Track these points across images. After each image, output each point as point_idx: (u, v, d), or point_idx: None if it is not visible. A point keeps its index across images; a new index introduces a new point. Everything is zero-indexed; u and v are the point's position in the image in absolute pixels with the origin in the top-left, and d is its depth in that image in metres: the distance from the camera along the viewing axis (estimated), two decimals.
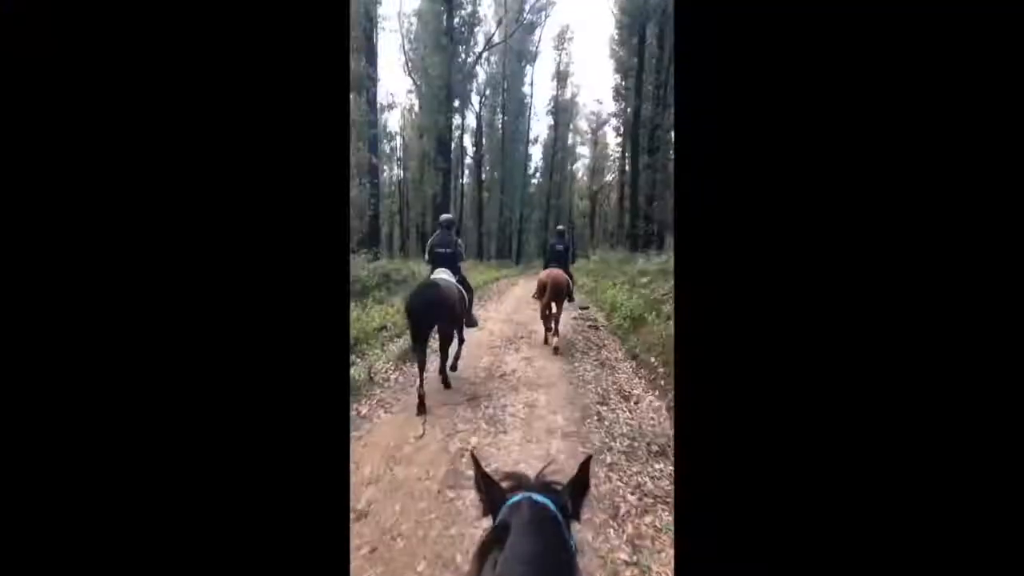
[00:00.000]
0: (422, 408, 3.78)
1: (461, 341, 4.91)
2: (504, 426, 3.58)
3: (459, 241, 4.72)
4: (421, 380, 3.88)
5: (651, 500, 2.67)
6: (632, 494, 2.73)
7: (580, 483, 1.01)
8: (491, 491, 0.97)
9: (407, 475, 2.85)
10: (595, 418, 3.77)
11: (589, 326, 7.25)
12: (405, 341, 5.85)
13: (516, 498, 0.91)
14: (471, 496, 2.58)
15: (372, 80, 12.23)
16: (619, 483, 2.84)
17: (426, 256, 4.69)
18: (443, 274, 4.39)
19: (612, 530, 2.39)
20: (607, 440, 3.40)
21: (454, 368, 4.88)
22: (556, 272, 5.83)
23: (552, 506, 0.89)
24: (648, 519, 2.50)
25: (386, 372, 4.79)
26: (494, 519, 0.92)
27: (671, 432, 3.43)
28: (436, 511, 2.50)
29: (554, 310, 5.86)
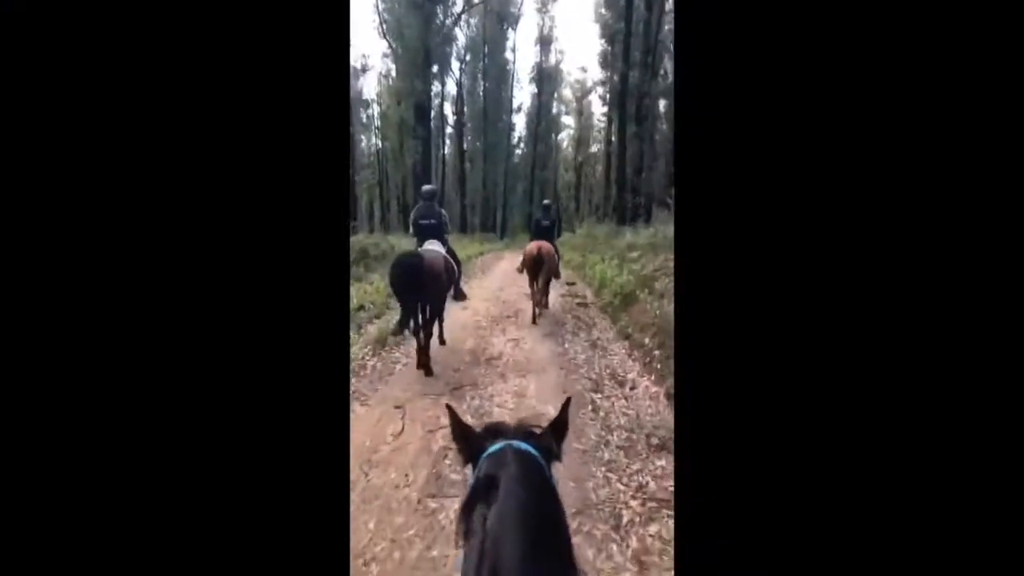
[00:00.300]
0: (424, 364, 3.99)
1: (440, 321, 4.72)
2: (491, 419, 3.29)
3: (443, 212, 4.56)
4: (419, 342, 4.00)
5: (655, 505, 2.41)
6: (634, 499, 2.47)
7: (560, 425, 1.01)
8: (470, 441, 0.95)
9: (384, 482, 2.55)
10: (589, 408, 3.49)
11: (577, 303, 6.96)
12: (385, 322, 5.53)
13: (498, 446, 0.89)
14: (455, 507, 2.29)
15: None
16: (619, 486, 2.57)
17: (411, 229, 4.57)
18: (432, 245, 4.24)
19: (615, 545, 2.13)
20: (603, 433, 3.13)
21: (443, 342, 4.77)
22: (543, 244, 5.69)
23: (535, 451, 0.88)
24: (653, 528, 2.24)
25: (363, 359, 4.45)
26: (474, 467, 0.91)
27: (671, 422, 3.17)
28: (416, 526, 2.21)
29: (541, 284, 5.76)
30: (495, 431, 0.97)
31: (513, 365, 4.34)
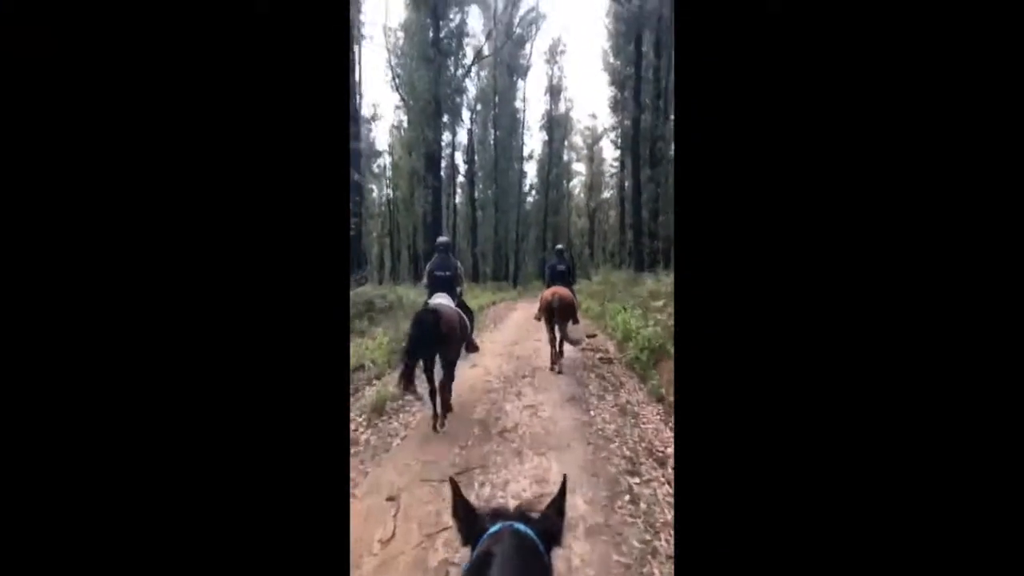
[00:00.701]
0: (436, 429, 3.77)
1: (451, 379, 4.16)
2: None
3: (458, 264, 4.52)
4: (434, 403, 3.84)
5: None
6: None
7: (560, 508, 0.98)
8: (470, 520, 0.93)
9: None
10: (627, 499, 2.81)
11: (600, 359, 6.30)
12: (385, 384, 4.94)
13: (496, 527, 0.87)
14: None
15: (351, 89, 11.39)
16: None
17: (425, 280, 4.53)
18: (441, 299, 4.15)
19: None
20: (648, 536, 2.45)
21: (449, 408, 4.14)
22: (560, 289, 5.59)
23: (533, 535, 0.86)
24: None
25: (355, 431, 3.82)
26: (472, 549, 0.88)
27: None
28: None
29: (558, 333, 5.63)
30: (495, 513, 0.93)
31: (531, 439, 3.67)
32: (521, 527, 0.86)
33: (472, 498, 2.77)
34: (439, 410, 3.85)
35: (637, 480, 3.05)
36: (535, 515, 0.94)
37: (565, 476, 1.07)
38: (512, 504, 1.00)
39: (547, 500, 0.99)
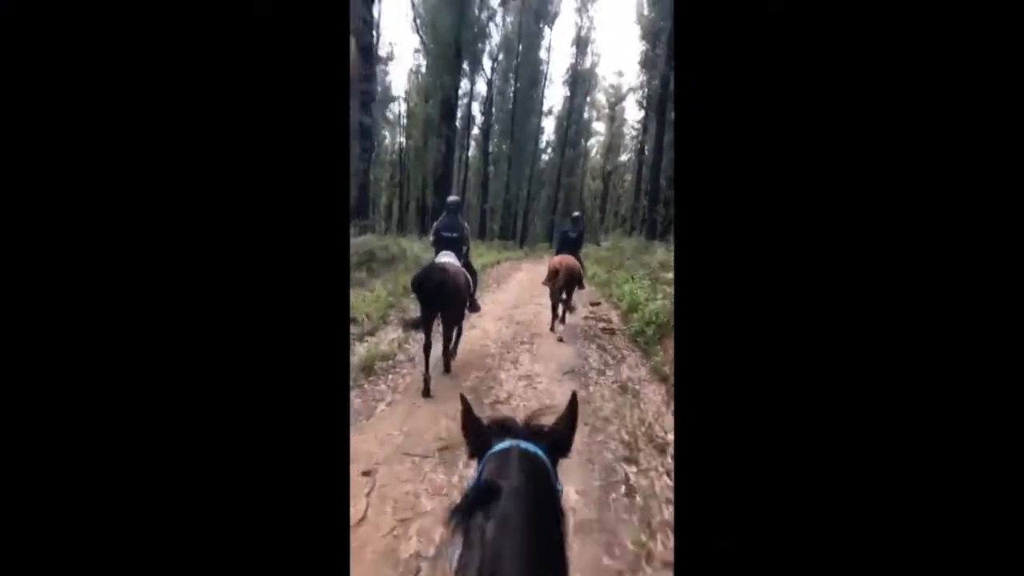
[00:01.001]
0: (427, 391, 3.61)
1: (459, 333, 4.41)
2: None
3: (466, 225, 4.52)
4: (427, 365, 3.68)
5: None
6: None
7: (569, 422, 0.96)
8: (478, 434, 0.92)
9: None
10: (622, 490, 2.59)
11: (603, 329, 6.04)
12: (379, 339, 4.73)
13: (504, 445, 0.86)
14: None
15: (367, 24, 10.65)
16: None
17: (431, 238, 4.48)
18: (447, 257, 4.12)
19: None
20: (644, 538, 2.22)
21: (448, 368, 4.12)
22: (569, 259, 5.59)
23: (541, 453, 0.85)
24: None
25: None
26: (479, 462, 0.89)
27: None
28: None
29: (564, 297, 5.66)
30: (503, 427, 0.92)
31: (524, 413, 3.44)
32: (530, 447, 0.84)
33: (455, 479, 2.57)
34: (430, 372, 3.68)
35: (635, 469, 2.82)
36: (544, 429, 0.92)
37: (575, 392, 1.05)
38: (520, 417, 0.97)
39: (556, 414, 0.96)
